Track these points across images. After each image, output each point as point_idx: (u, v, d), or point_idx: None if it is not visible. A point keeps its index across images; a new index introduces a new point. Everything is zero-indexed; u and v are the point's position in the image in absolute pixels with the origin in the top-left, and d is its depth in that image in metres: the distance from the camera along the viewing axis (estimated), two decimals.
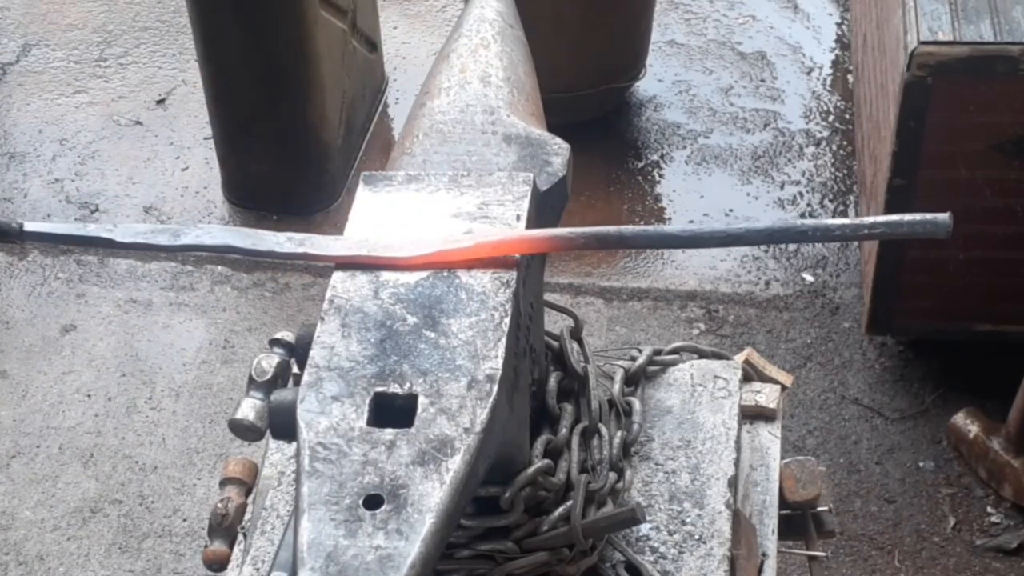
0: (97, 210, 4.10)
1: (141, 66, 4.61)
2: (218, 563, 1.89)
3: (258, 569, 1.70)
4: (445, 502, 1.20)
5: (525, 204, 1.48)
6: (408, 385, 1.29)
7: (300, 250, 1.48)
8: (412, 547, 1.16)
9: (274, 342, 2.01)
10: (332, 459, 1.23)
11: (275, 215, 3.98)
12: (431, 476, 1.21)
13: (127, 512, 3.30)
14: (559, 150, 1.58)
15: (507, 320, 1.35)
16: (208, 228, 1.51)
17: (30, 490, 3.36)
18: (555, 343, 1.67)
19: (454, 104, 1.65)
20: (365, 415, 1.27)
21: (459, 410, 1.27)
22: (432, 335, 1.34)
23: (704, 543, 1.68)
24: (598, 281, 3.77)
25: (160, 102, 4.47)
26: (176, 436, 3.46)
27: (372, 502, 1.20)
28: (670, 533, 1.69)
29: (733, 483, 1.75)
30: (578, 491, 1.53)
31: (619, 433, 1.67)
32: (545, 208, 1.53)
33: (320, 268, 3.84)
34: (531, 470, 1.48)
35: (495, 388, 1.29)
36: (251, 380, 1.95)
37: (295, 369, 1.98)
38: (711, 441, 1.79)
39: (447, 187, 1.51)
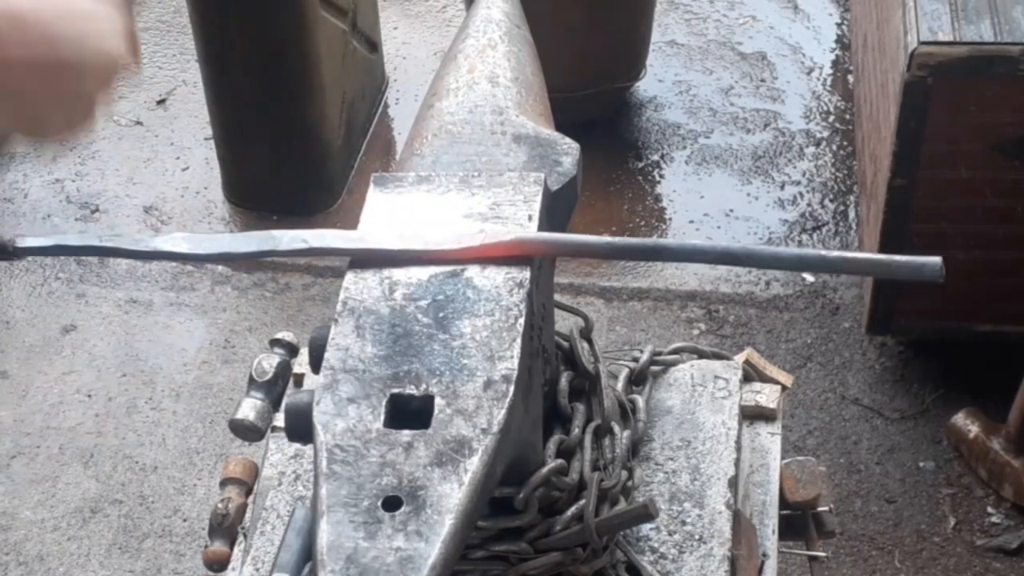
0: (97, 210, 4.10)
1: (141, 66, 4.60)
2: (218, 563, 1.89)
3: (258, 569, 1.70)
4: (464, 503, 1.20)
5: (536, 204, 1.48)
6: (424, 386, 1.29)
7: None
8: (432, 548, 1.16)
9: (275, 342, 2.02)
10: (350, 461, 1.23)
11: (275, 215, 3.98)
12: (449, 477, 1.21)
13: (127, 512, 3.29)
14: (569, 150, 1.58)
15: (522, 320, 1.34)
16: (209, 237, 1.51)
17: (30, 490, 3.35)
18: (565, 343, 1.67)
19: (463, 105, 1.64)
20: (382, 417, 1.27)
21: (476, 411, 1.27)
22: (446, 336, 1.33)
23: (704, 543, 1.67)
24: (598, 281, 3.77)
25: (160, 102, 4.47)
26: (176, 436, 3.46)
27: (391, 504, 1.20)
28: (670, 533, 1.68)
29: (733, 483, 1.75)
30: (591, 489, 1.54)
31: (626, 432, 1.68)
32: (556, 208, 1.53)
33: (320, 268, 3.84)
34: (545, 470, 1.48)
35: (511, 388, 1.29)
36: (251, 380, 1.96)
37: (296, 369, 1.99)
38: (711, 441, 1.79)
39: (458, 188, 1.51)
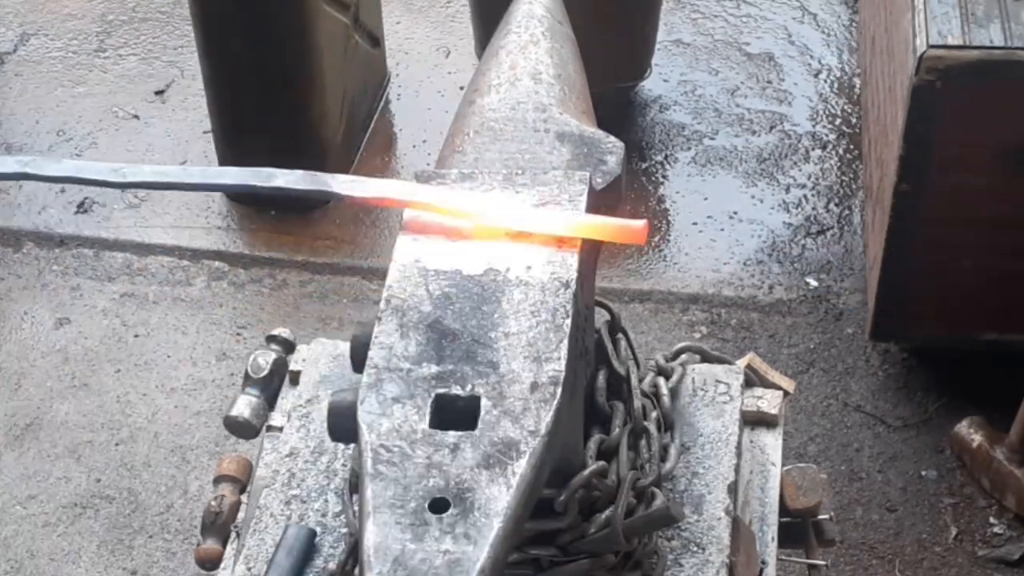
0: (94, 203, 4.07)
1: (140, 57, 4.58)
2: (210, 561, 1.88)
3: (250, 568, 1.68)
4: (512, 506, 1.19)
5: (582, 203, 1.47)
6: (470, 387, 1.28)
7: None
8: (481, 552, 1.15)
9: (271, 339, 2.00)
10: (395, 462, 1.22)
11: (273, 210, 3.95)
12: (497, 480, 1.20)
13: (119, 509, 3.27)
14: (614, 148, 1.57)
15: (568, 321, 1.34)
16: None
17: (21, 485, 3.33)
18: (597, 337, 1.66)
19: (505, 101, 1.63)
20: (427, 417, 1.26)
21: (523, 412, 1.26)
22: (492, 336, 1.33)
23: (702, 549, 1.66)
24: (599, 282, 3.73)
25: (159, 94, 4.45)
26: (170, 432, 3.43)
27: (438, 505, 1.19)
28: (668, 539, 1.66)
29: (733, 489, 1.74)
30: (623, 491, 1.52)
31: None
32: (600, 207, 1.52)
33: (317, 266, 3.81)
34: (587, 472, 1.47)
35: (559, 390, 1.28)
36: (247, 377, 1.95)
37: (292, 366, 1.96)
38: (711, 446, 1.78)
39: (502, 185, 1.50)
